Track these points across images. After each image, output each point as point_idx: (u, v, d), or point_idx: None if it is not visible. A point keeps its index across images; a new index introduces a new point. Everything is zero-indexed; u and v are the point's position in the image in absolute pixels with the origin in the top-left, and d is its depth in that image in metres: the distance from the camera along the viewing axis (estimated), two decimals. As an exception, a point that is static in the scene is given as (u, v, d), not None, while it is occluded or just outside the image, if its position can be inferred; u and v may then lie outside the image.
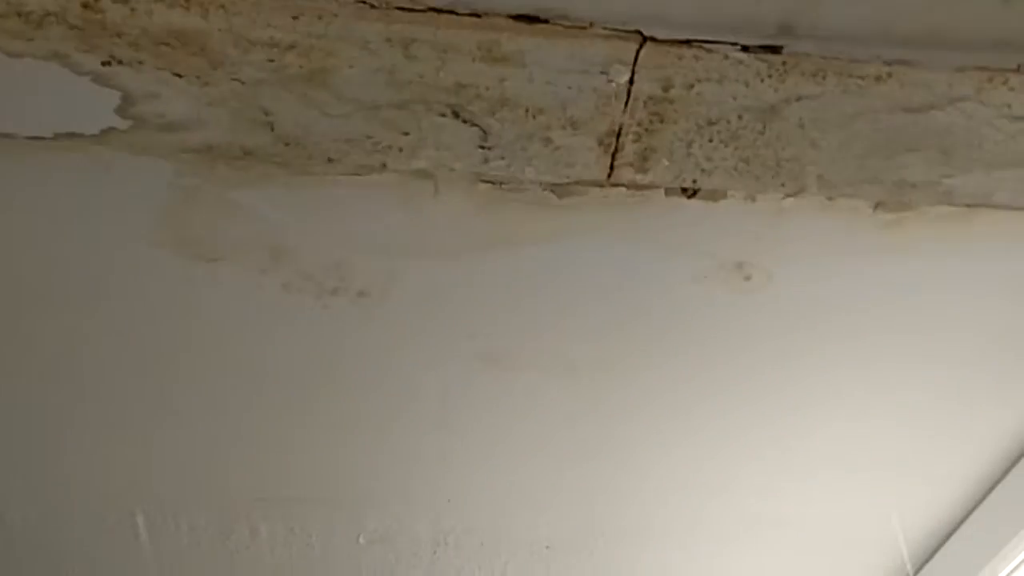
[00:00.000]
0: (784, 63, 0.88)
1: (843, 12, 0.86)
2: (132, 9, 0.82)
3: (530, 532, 1.62)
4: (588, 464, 1.50)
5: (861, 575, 1.72)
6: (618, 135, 0.94)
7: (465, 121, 0.93)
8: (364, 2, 0.84)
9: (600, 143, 0.95)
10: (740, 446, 1.46)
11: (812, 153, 0.97)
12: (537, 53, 0.87)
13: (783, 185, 1.00)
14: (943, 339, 1.27)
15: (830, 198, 1.04)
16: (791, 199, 1.09)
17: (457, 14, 0.86)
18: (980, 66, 0.90)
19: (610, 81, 0.89)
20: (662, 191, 1.09)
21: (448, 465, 1.49)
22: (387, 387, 1.35)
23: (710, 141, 0.95)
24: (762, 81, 0.90)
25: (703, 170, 0.98)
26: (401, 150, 0.96)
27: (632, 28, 0.88)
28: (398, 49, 0.87)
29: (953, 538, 1.58)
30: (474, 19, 0.86)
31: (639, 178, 1.00)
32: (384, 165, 0.98)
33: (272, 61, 0.87)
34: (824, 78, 0.89)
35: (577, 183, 1.06)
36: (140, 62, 0.86)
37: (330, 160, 0.97)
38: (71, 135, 0.94)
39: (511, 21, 0.87)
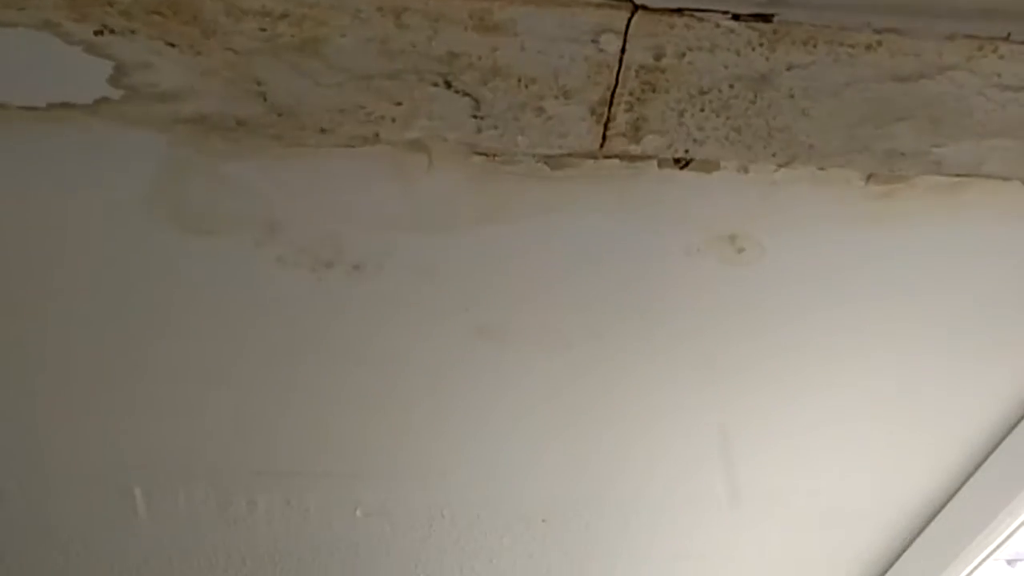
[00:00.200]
0: (775, 31, 0.89)
1: (833, -21, 0.87)
2: (124, -22, 0.82)
3: (526, 504, 1.64)
4: (583, 436, 1.51)
5: (854, 546, 1.74)
6: (610, 105, 0.95)
7: (457, 91, 0.93)
8: (355, -29, 0.85)
9: (592, 112, 0.96)
10: (732, 418, 1.47)
11: (803, 122, 0.97)
12: (528, 21, 0.87)
13: (774, 155, 1.00)
14: (935, 309, 1.28)
15: (821, 168, 1.04)
16: (783, 171, 1.09)
17: (449, -18, 0.86)
18: (970, 34, 0.90)
19: (601, 50, 0.89)
20: (655, 163, 1.09)
21: (443, 438, 1.50)
22: (382, 360, 1.36)
23: (702, 111, 0.95)
24: (753, 50, 0.90)
25: (695, 140, 0.98)
26: (394, 120, 0.96)
27: (623, -4, 0.88)
28: (390, 18, 0.87)
29: (948, 507, 1.60)
30: (465, -13, 0.86)
31: (632, 148, 1.00)
32: (377, 135, 0.98)
33: (264, 30, 0.88)
34: (815, 47, 0.90)
35: (570, 155, 1.07)
36: (132, 31, 0.86)
37: (323, 131, 0.97)
38: (64, 105, 0.94)
39: (502, -11, 0.87)
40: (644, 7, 0.88)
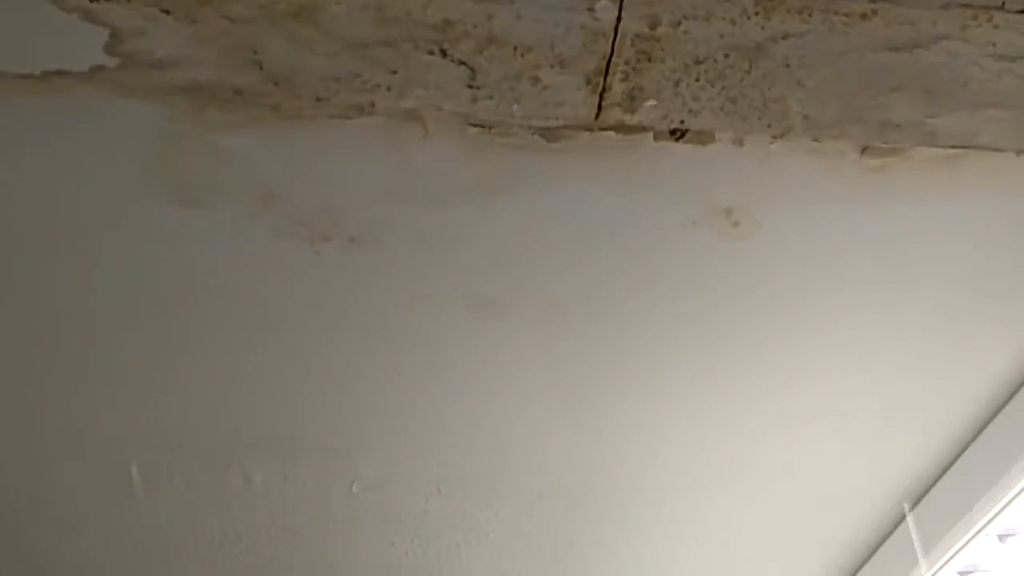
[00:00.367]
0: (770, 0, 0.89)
1: (829, -52, 0.87)
2: (119, -57, 0.82)
3: (522, 480, 1.65)
4: (578, 412, 1.52)
5: (851, 523, 1.75)
6: (605, 74, 0.95)
7: (453, 60, 0.93)
8: (351, -63, 0.84)
9: (588, 82, 0.96)
10: (729, 394, 1.48)
11: (798, 92, 0.98)
12: (524, -12, 0.87)
13: (769, 126, 1.01)
14: (930, 283, 1.29)
15: (816, 139, 1.04)
16: (778, 143, 1.09)
17: (444, -51, 0.86)
18: (965, 3, 0.90)
19: (597, 19, 0.90)
20: (650, 135, 1.09)
21: (440, 412, 1.51)
22: (378, 334, 1.36)
23: (697, 80, 0.96)
24: (748, 19, 0.90)
25: (690, 110, 0.99)
26: (389, 89, 0.96)
27: (619, -36, 0.88)
28: (385, -15, 0.87)
29: (939, 484, 1.61)
30: (461, -45, 0.86)
31: (627, 118, 1.00)
32: (373, 104, 0.98)
33: (260, -2, 0.87)
34: (810, 15, 0.90)
35: (566, 127, 1.07)
36: (128, -2, 0.86)
37: (319, 99, 0.97)
38: (60, 73, 0.94)
39: (498, -44, 0.87)
40: (640, -25, 0.88)
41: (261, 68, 0.94)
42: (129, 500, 1.64)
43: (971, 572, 1.68)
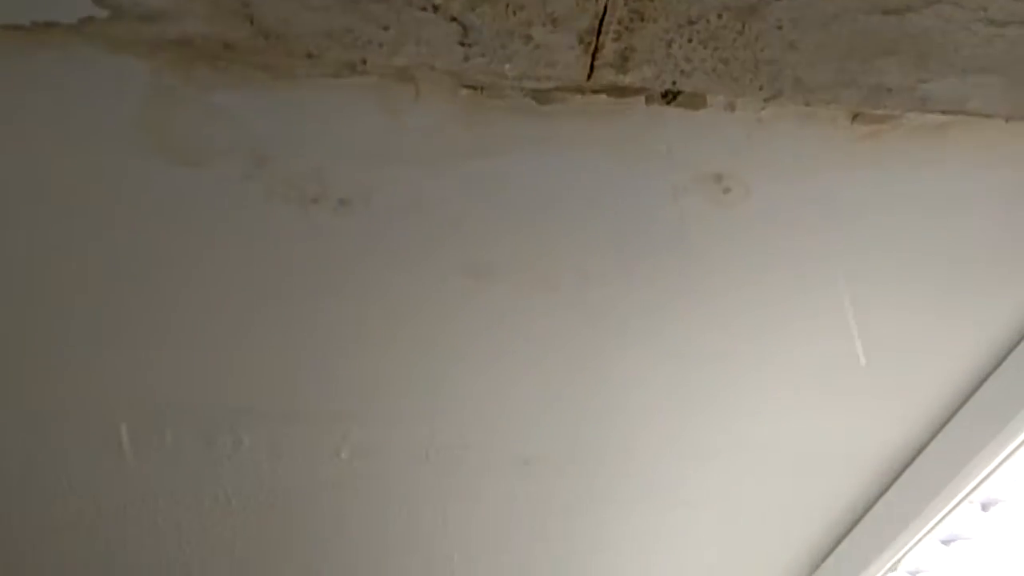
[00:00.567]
0: (764, -41, 0.89)
1: (824, -92, 0.86)
2: None
3: (510, 448, 1.65)
4: (569, 381, 1.52)
5: (831, 492, 1.77)
6: (598, 33, 0.95)
7: (445, 16, 0.93)
8: None
9: (580, 41, 0.96)
10: (720, 364, 1.48)
11: (790, 55, 0.98)
12: (517, -57, 0.87)
13: (761, 88, 1.01)
14: (919, 253, 1.30)
15: (807, 103, 1.05)
16: (770, 108, 1.10)
17: (438, -97, 0.85)
18: (958, -34, 0.90)
19: (591, -24, 0.89)
20: (642, 99, 1.09)
21: (429, 379, 1.51)
22: (370, 299, 1.36)
23: (689, 41, 0.96)
24: (742, -22, 0.90)
25: (682, 71, 0.99)
26: (382, 45, 0.96)
27: (613, -79, 0.88)
28: (378, -61, 0.86)
29: (923, 453, 1.63)
30: (455, -91, 0.86)
31: (619, 79, 1.00)
32: (364, 62, 0.98)
33: (251, -50, 0.87)
34: (803, -24, 0.90)
35: (558, 88, 1.07)
36: (118, -52, 0.86)
37: (310, 56, 0.97)
38: (48, 24, 0.93)
39: (492, -89, 0.86)
40: (634, -68, 0.88)
41: (252, 22, 0.93)
42: (119, 463, 1.64)
43: (954, 540, 1.71)
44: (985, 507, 1.62)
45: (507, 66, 0.97)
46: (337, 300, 1.36)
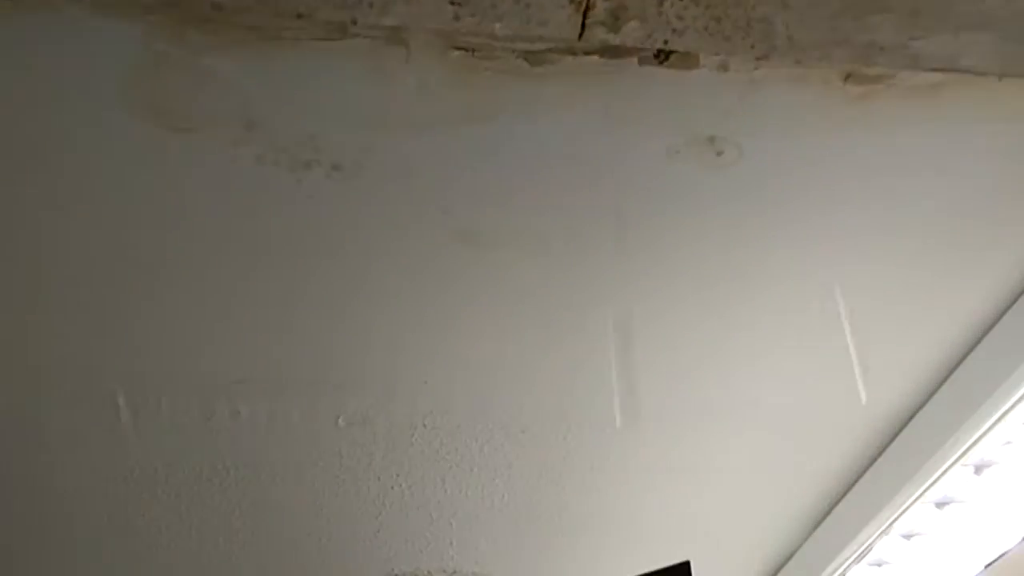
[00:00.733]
0: (755, -86, 0.88)
1: None
2: None
3: (506, 415, 1.66)
4: (562, 346, 1.53)
5: (828, 457, 1.78)
6: (589, -8, 0.94)
7: (435, -25, 0.92)
8: None
9: (571, 0, 0.95)
10: (712, 326, 1.49)
11: (783, 13, 0.97)
12: (506, -102, 0.86)
13: (753, 47, 1.00)
14: (913, 213, 1.30)
15: (799, 61, 1.04)
16: (762, 69, 1.09)
17: None
18: (950, -80, 0.90)
19: (580, -68, 0.89)
20: (634, 60, 1.09)
21: (425, 346, 1.51)
22: (364, 266, 1.36)
23: (681, -1, 0.95)
24: (733, -66, 0.90)
25: (674, 30, 0.98)
26: (371, 5, 0.95)
27: None
28: None
29: (916, 416, 1.63)
30: None
31: (610, 38, 1.00)
32: (354, 22, 0.97)
33: (238, -92, 0.86)
34: (795, -69, 0.89)
35: (549, 50, 1.06)
36: (103, -93, 0.85)
37: (300, 15, 0.96)
38: (35, -15, 0.93)
39: None
40: None
41: (240, -18, 0.93)
42: (117, 433, 1.65)
43: (948, 503, 1.72)
44: (978, 470, 1.64)
45: (497, 25, 0.97)
46: (330, 266, 1.36)
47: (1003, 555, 1.77)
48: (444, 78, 1.10)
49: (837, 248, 1.36)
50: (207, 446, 1.69)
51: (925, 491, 1.66)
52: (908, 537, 1.82)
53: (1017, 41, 0.99)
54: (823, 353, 1.54)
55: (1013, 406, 1.45)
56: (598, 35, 1.00)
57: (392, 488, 1.81)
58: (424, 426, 1.68)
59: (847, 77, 1.11)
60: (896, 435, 1.68)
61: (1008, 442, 1.56)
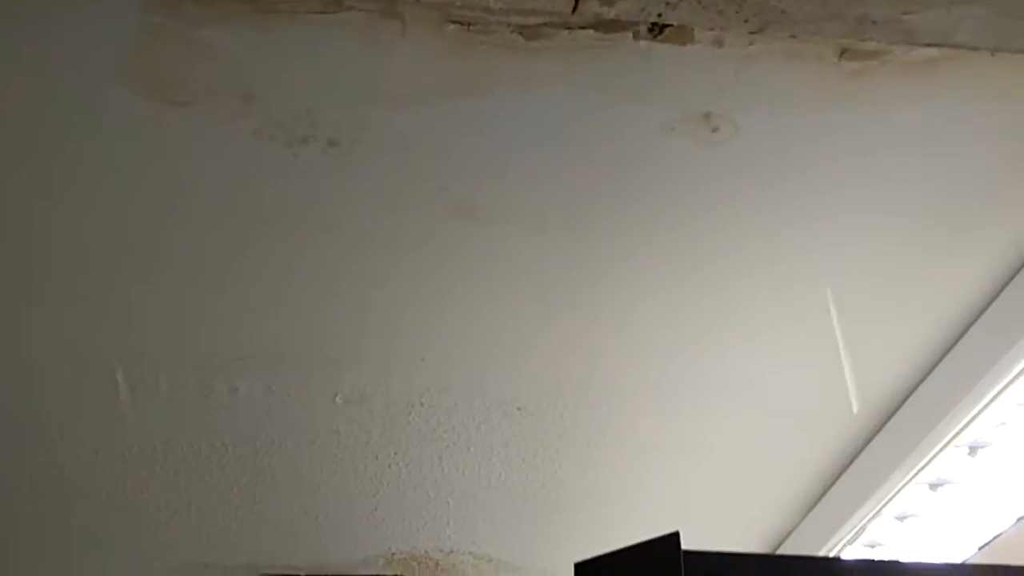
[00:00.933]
0: None
1: None
2: None
3: (503, 392, 1.67)
4: (559, 324, 1.53)
5: (823, 438, 1.79)
6: (583, -36, 0.94)
7: (429, -54, 0.92)
8: None
9: (565, -28, 0.96)
10: (709, 303, 1.49)
11: (776, -14, 0.97)
12: None
13: (746, 21, 1.01)
14: (909, 191, 1.30)
15: (793, 36, 1.04)
16: (757, 45, 1.09)
17: None
18: None
19: (574, -97, 0.89)
20: (629, 35, 1.09)
21: (422, 324, 1.52)
22: (360, 242, 1.37)
23: (675, -28, 0.95)
24: (726, -94, 0.90)
25: (667, 3, 0.98)
26: (366, -23, 0.96)
27: None
28: None
29: (911, 398, 1.64)
30: None
31: (604, 11, 1.00)
32: (350, -7, 0.97)
33: None
34: (788, -97, 0.89)
35: (544, 24, 1.07)
36: None
37: (295, -14, 0.97)
38: (32, -45, 0.93)
39: None
40: None
41: (236, -47, 0.93)
42: (116, 410, 1.66)
43: (942, 484, 1.72)
44: (972, 451, 1.64)
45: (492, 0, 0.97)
46: (326, 242, 1.37)
47: (997, 536, 1.78)
48: (439, 52, 1.11)
49: (833, 225, 1.36)
50: (205, 423, 1.70)
51: (919, 472, 1.67)
52: (902, 518, 1.82)
53: (1010, 15, 0.99)
54: (818, 332, 1.54)
55: (1007, 386, 1.46)
56: (592, 8, 1.00)
57: (389, 467, 1.82)
58: (421, 404, 1.69)
59: (842, 53, 1.12)
60: (891, 416, 1.69)
61: (1002, 423, 1.56)
